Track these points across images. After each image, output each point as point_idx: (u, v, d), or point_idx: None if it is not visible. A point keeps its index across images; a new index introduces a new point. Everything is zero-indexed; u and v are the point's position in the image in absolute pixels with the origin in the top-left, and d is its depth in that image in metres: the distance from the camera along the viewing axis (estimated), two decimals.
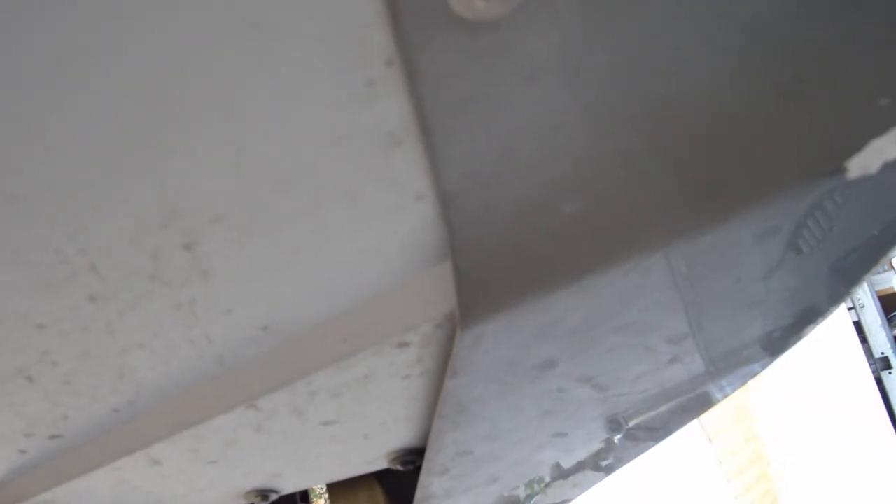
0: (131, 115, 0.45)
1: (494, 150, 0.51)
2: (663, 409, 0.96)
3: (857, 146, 0.54)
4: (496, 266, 0.58)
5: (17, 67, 0.41)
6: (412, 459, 0.99)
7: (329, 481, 1.09)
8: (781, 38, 0.49)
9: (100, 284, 0.58)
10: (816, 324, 0.80)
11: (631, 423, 0.97)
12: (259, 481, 1.01)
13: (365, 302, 0.65)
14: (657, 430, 1.02)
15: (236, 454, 0.88)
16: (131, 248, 0.55)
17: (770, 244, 0.66)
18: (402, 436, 0.93)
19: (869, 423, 6.44)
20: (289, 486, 1.06)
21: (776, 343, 0.84)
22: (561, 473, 1.09)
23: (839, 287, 0.76)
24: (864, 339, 6.35)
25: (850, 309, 6.29)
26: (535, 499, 1.16)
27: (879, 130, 0.53)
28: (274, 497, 1.07)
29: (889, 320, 6.35)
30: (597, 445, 1.03)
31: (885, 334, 6.30)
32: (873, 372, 6.37)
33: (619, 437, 1.00)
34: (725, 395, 0.97)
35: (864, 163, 0.55)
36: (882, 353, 6.39)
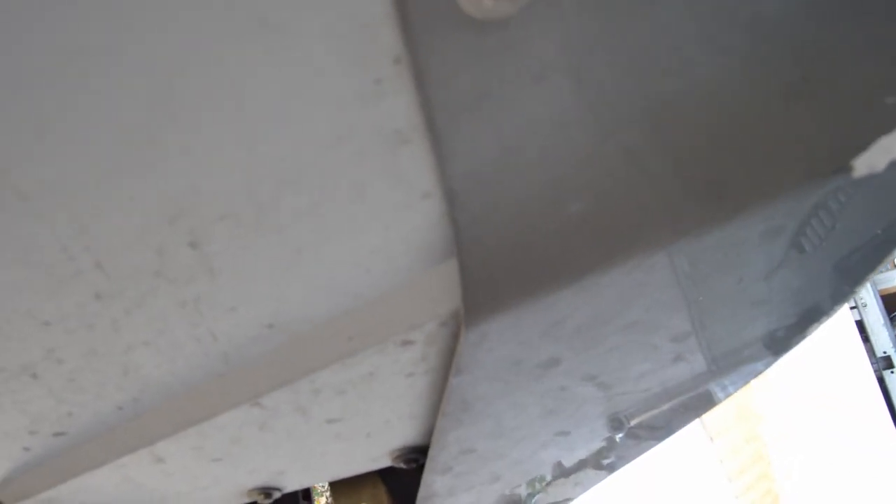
0: (137, 113, 0.45)
1: (500, 149, 0.51)
2: (666, 407, 0.96)
3: (863, 145, 0.54)
4: (501, 264, 0.58)
5: (22, 67, 0.41)
6: (415, 457, 0.99)
7: (332, 479, 1.09)
8: (786, 37, 0.49)
9: (105, 282, 0.58)
10: (820, 323, 0.80)
11: (633, 422, 0.97)
12: (263, 479, 1.02)
13: (370, 300, 0.65)
14: (659, 429, 1.02)
15: (240, 452, 0.88)
16: (137, 245, 0.55)
17: (774, 243, 0.66)
18: (405, 434, 0.93)
19: (871, 422, 6.43)
20: (292, 484, 1.06)
21: (780, 342, 0.84)
22: (562, 472, 1.09)
23: (843, 286, 0.76)
24: (866, 338, 6.34)
25: (852, 308, 6.28)
26: (536, 497, 1.16)
27: (886, 129, 0.53)
28: (277, 495, 1.07)
29: (892, 319, 6.34)
30: (599, 444, 1.03)
31: (887, 333, 6.29)
32: (875, 371, 6.36)
33: (621, 435, 1.00)
34: (728, 395, 0.97)
35: (871, 161, 0.55)
36: (884, 353, 6.38)
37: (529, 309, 0.61)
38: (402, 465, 1.00)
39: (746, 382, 0.95)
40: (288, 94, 0.46)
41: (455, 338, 0.68)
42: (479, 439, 0.88)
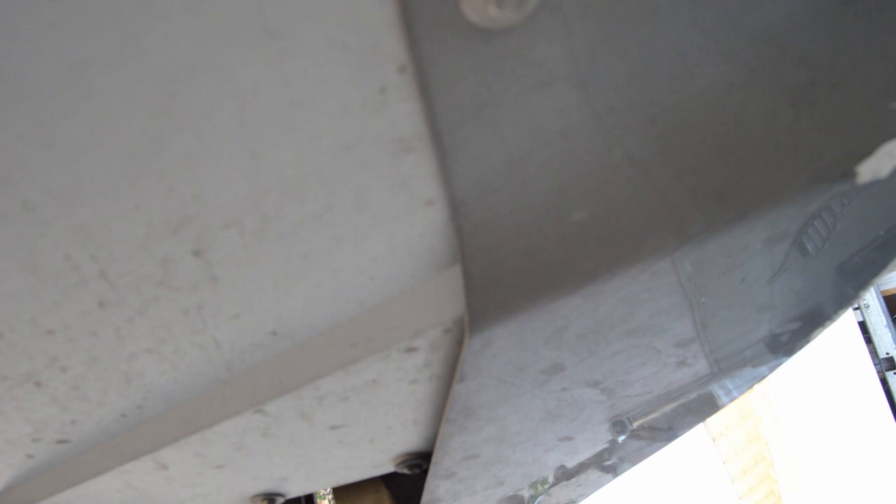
0: (141, 123, 0.45)
1: (504, 157, 0.51)
2: (669, 411, 0.96)
3: (868, 150, 0.54)
4: (505, 271, 0.57)
5: (27, 78, 0.41)
6: (418, 463, 0.99)
7: (336, 485, 1.09)
8: (793, 43, 0.49)
9: (109, 290, 0.58)
10: (825, 327, 0.80)
11: (636, 426, 0.97)
12: (266, 485, 1.01)
13: (373, 307, 0.65)
14: (663, 433, 1.02)
15: (243, 459, 0.88)
16: (141, 254, 0.55)
17: (778, 248, 0.66)
18: (408, 440, 0.93)
19: (873, 423, 6.43)
20: (295, 490, 1.06)
21: (784, 346, 0.84)
22: (565, 474, 1.09)
23: (847, 290, 0.76)
24: (868, 339, 6.34)
25: (855, 309, 6.28)
26: (538, 499, 1.16)
27: (890, 134, 0.53)
28: (280, 501, 1.07)
29: (894, 321, 6.34)
30: (602, 447, 1.03)
31: (890, 334, 6.28)
32: (878, 372, 6.36)
33: (623, 438, 1.00)
34: (732, 399, 0.97)
35: (875, 166, 0.55)
36: (887, 354, 6.38)
37: (533, 315, 0.61)
38: (406, 471, 1.00)
39: (751, 386, 0.94)
40: (292, 103, 0.46)
41: (459, 344, 0.68)
42: (483, 445, 0.88)
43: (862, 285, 0.75)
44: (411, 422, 0.87)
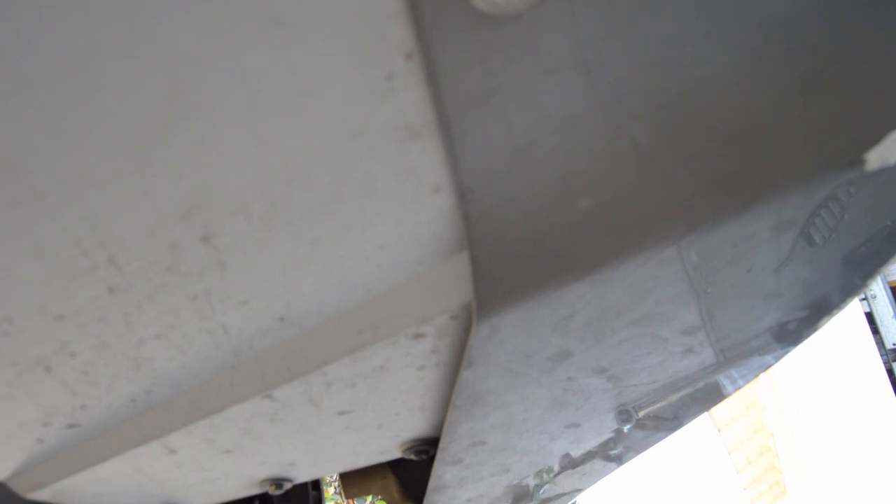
0: (152, 109, 0.46)
1: (511, 144, 0.51)
2: (675, 400, 0.96)
3: (876, 137, 0.54)
4: (513, 257, 0.58)
5: (36, 65, 0.42)
6: (425, 449, 0.99)
7: (343, 470, 1.09)
8: (800, 32, 0.49)
9: (118, 276, 0.58)
10: (832, 316, 0.80)
11: (642, 414, 0.97)
12: (273, 470, 1.02)
13: (381, 293, 0.65)
14: (668, 421, 1.02)
15: (251, 444, 0.88)
16: (150, 240, 0.55)
17: (785, 236, 0.66)
18: (415, 426, 0.94)
19: (880, 413, 6.43)
20: (303, 476, 1.07)
21: (790, 335, 0.84)
22: (570, 463, 1.10)
23: (854, 279, 0.76)
24: (875, 329, 6.33)
25: (861, 300, 6.27)
26: (544, 488, 1.16)
27: None
28: (288, 486, 1.07)
29: None
30: (607, 436, 1.03)
31: None
32: (885, 363, 6.35)
33: (629, 427, 1.00)
34: (738, 388, 0.97)
35: (884, 154, 0.55)
36: (894, 344, 6.37)
37: (541, 302, 0.61)
38: (413, 457, 1.01)
39: (756, 376, 0.95)
40: (299, 90, 0.46)
41: (466, 331, 0.68)
42: (490, 431, 0.89)
43: (869, 275, 0.75)
44: (418, 408, 0.87)
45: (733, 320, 0.80)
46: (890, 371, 6.36)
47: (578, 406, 0.89)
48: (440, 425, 0.93)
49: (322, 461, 1.01)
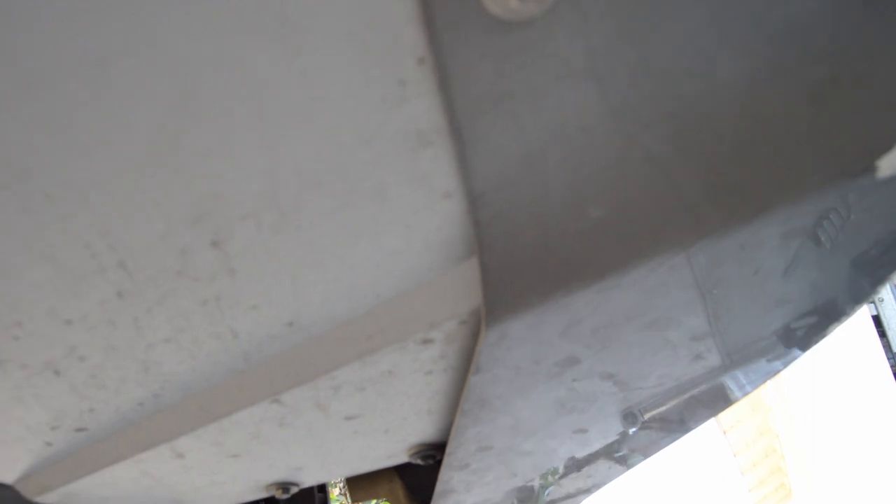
0: (163, 115, 0.46)
1: (523, 150, 0.51)
2: (683, 405, 0.96)
3: (888, 145, 0.53)
4: (522, 264, 0.57)
5: (51, 70, 0.42)
6: (432, 454, 0.99)
7: (350, 475, 1.09)
8: (813, 40, 0.49)
9: (128, 281, 0.58)
10: (841, 322, 0.79)
11: (649, 418, 0.97)
12: (281, 474, 1.02)
13: (390, 299, 0.65)
14: (676, 426, 1.02)
15: (259, 448, 0.88)
16: (160, 245, 0.55)
17: (795, 243, 0.65)
18: (422, 430, 0.93)
19: (886, 416, 6.41)
20: (310, 479, 1.07)
21: (799, 341, 0.83)
22: (576, 466, 1.09)
23: (864, 285, 0.76)
24: (882, 332, 6.32)
25: (868, 303, 6.27)
26: (549, 490, 1.16)
27: None
28: (295, 490, 1.07)
29: None
30: (615, 440, 1.03)
31: None
32: (892, 366, 6.34)
33: (634, 430, 1.00)
34: (746, 393, 0.97)
35: None
36: None
37: (550, 308, 0.61)
38: (419, 462, 1.01)
39: (765, 381, 0.94)
40: (311, 96, 0.46)
41: (474, 336, 0.68)
42: (497, 436, 0.89)
43: (879, 281, 0.74)
44: (426, 412, 0.87)
45: (742, 326, 0.80)
46: None
47: (587, 411, 0.89)
48: (447, 430, 0.92)
49: (329, 465, 1.01)
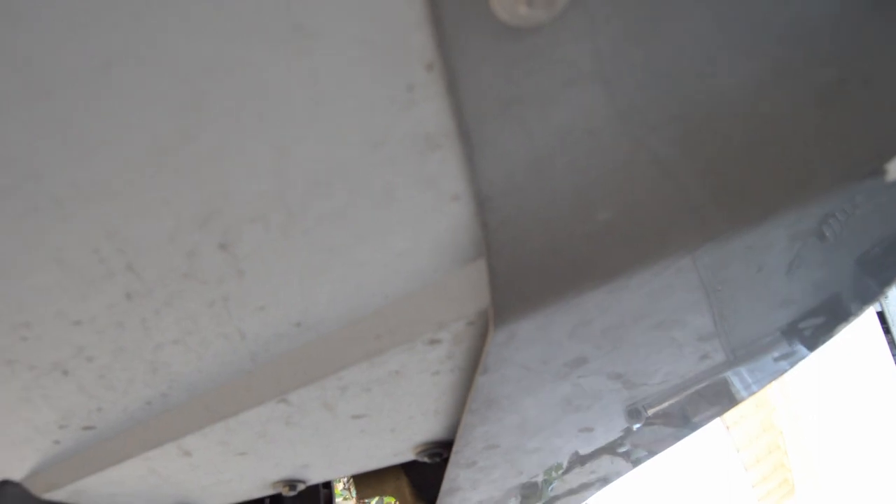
0: (172, 118, 0.46)
1: (530, 154, 0.51)
2: (689, 404, 0.96)
3: None
4: (530, 265, 0.58)
5: (59, 73, 0.42)
6: (439, 452, 0.99)
7: (356, 473, 1.10)
8: (821, 42, 0.49)
9: (136, 282, 0.58)
10: (848, 322, 0.79)
11: (653, 416, 0.97)
12: (287, 472, 1.02)
13: (398, 300, 0.65)
14: (682, 424, 1.02)
15: (266, 446, 0.89)
16: (168, 247, 0.56)
17: (802, 244, 0.65)
18: (429, 429, 0.94)
19: (891, 414, 6.40)
20: (316, 477, 1.07)
21: (806, 341, 0.83)
22: (579, 460, 1.10)
23: (872, 286, 0.76)
24: (887, 329, 6.31)
25: None
26: (552, 485, 1.16)
27: None
28: (301, 487, 1.08)
29: None
30: (619, 437, 1.03)
31: None
32: None
33: (639, 426, 1.00)
34: (752, 393, 0.97)
35: None
36: None
37: (558, 309, 0.61)
38: (426, 460, 1.01)
39: (771, 381, 0.94)
40: (320, 99, 0.46)
41: (482, 337, 0.68)
42: (504, 435, 0.89)
43: (887, 282, 0.74)
44: (432, 412, 0.87)
45: (748, 327, 0.80)
46: None
47: (593, 411, 0.89)
48: (454, 428, 0.93)
49: (336, 464, 1.02)
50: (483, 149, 0.50)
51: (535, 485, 1.15)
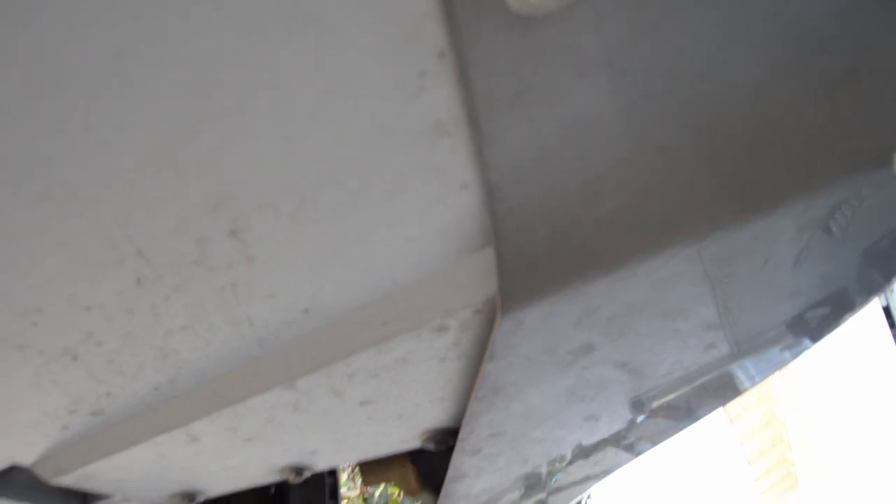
0: (184, 106, 0.46)
1: (539, 143, 0.51)
2: (692, 394, 0.96)
3: None
4: (538, 254, 0.58)
5: (72, 62, 0.42)
6: (445, 439, 1.00)
7: (363, 459, 1.10)
8: (829, 35, 0.49)
9: (146, 269, 0.59)
10: (853, 313, 0.80)
11: (657, 407, 0.97)
12: (294, 458, 1.03)
13: (406, 287, 0.66)
14: (684, 414, 1.02)
15: (273, 432, 0.89)
16: (179, 233, 0.56)
17: (808, 235, 0.66)
18: (435, 416, 0.94)
19: (894, 408, 6.40)
20: (323, 464, 1.08)
21: (810, 332, 0.84)
22: (583, 453, 1.10)
23: (877, 277, 0.76)
24: (892, 323, 6.30)
25: None
26: (555, 476, 1.17)
27: None
28: (307, 474, 1.08)
29: None
30: (622, 427, 1.04)
31: None
32: None
33: (643, 418, 1.00)
34: (754, 384, 0.98)
35: None
36: None
37: (565, 298, 0.62)
38: (432, 447, 1.01)
39: (774, 371, 0.95)
40: (331, 88, 0.47)
41: (489, 324, 0.69)
42: (509, 423, 0.89)
43: (892, 273, 0.75)
44: (439, 399, 0.88)
45: (753, 317, 0.80)
46: None
47: (598, 399, 0.90)
48: (460, 416, 0.93)
49: (342, 450, 1.02)
50: (492, 137, 0.50)
51: (538, 476, 1.15)
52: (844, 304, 0.79)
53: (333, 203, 0.55)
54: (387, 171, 0.53)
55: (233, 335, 0.69)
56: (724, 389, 0.97)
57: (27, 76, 0.42)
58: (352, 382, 0.77)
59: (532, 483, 1.18)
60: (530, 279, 0.59)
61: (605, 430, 1.03)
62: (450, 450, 0.98)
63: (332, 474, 1.90)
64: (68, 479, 0.98)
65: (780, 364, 0.92)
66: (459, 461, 0.98)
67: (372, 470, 1.30)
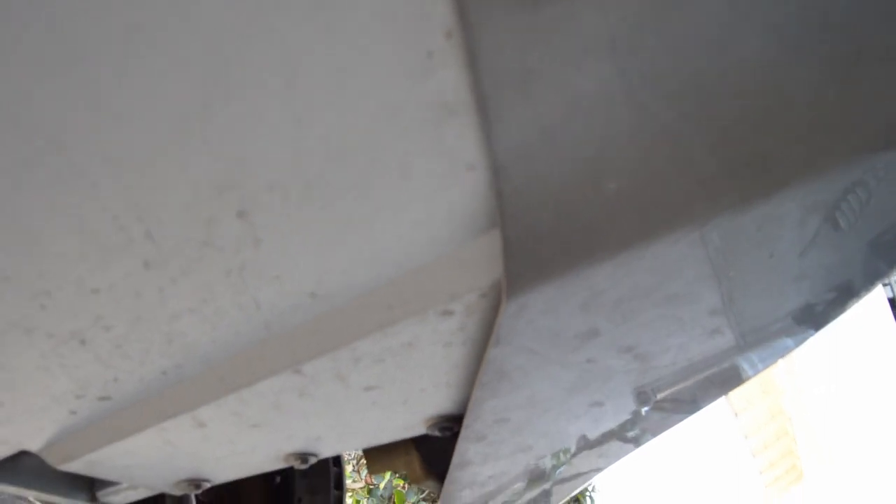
0: (194, 87, 0.46)
1: (547, 123, 0.51)
2: (695, 382, 0.96)
3: None
4: (544, 236, 0.58)
5: (80, 41, 0.42)
6: (449, 426, 1.00)
7: (368, 445, 1.10)
8: (839, 12, 0.49)
9: (154, 251, 0.59)
10: (858, 299, 0.80)
11: (661, 396, 0.97)
12: (300, 445, 1.03)
13: (412, 270, 0.66)
14: (687, 404, 1.02)
15: (279, 418, 0.90)
16: (187, 215, 0.56)
17: (813, 220, 0.66)
18: (440, 402, 0.94)
19: None
20: (328, 450, 1.08)
21: (815, 318, 0.84)
22: (587, 444, 1.10)
23: (880, 264, 0.76)
24: None
25: (885, 285, 6.23)
26: (560, 469, 1.17)
27: None
28: (313, 460, 1.09)
29: None
30: (626, 417, 1.04)
31: None
32: None
33: (647, 408, 1.00)
34: (757, 372, 0.97)
35: None
36: None
37: (571, 281, 0.62)
38: (437, 433, 1.02)
39: (777, 359, 0.95)
40: (341, 67, 0.47)
41: (494, 309, 0.69)
42: (514, 409, 0.89)
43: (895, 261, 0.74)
44: (444, 384, 0.88)
45: (757, 303, 0.80)
46: None
47: (603, 385, 0.90)
48: (465, 402, 0.93)
49: (348, 436, 1.03)
50: (499, 117, 0.50)
51: (542, 467, 1.15)
52: (848, 293, 0.79)
53: (341, 185, 0.56)
54: (394, 153, 0.54)
55: (239, 319, 0.70)
56: (727, 378, 0.97)
57: (37, 54, 0.42)
58: (357, 367, 0.78)
59: (536, 476, 1.18)
60: (536, 261, 0.60)
61: (609, 419, 1.03)
62: (454, 437, 0.99)
63: (338, 464, 1.90)
64: (75, 466, 0.98)
65: (783, 351, 0.92)
66: (464, 448, 0.99)
67: (377, 457, 1.30)
